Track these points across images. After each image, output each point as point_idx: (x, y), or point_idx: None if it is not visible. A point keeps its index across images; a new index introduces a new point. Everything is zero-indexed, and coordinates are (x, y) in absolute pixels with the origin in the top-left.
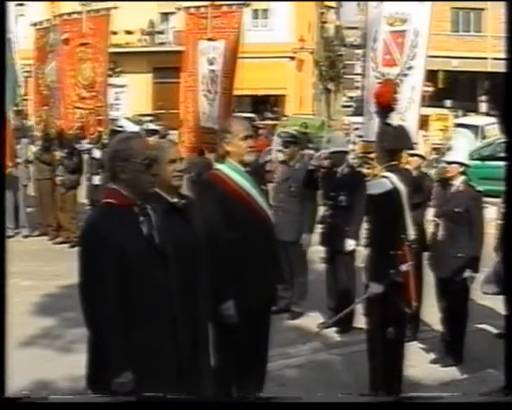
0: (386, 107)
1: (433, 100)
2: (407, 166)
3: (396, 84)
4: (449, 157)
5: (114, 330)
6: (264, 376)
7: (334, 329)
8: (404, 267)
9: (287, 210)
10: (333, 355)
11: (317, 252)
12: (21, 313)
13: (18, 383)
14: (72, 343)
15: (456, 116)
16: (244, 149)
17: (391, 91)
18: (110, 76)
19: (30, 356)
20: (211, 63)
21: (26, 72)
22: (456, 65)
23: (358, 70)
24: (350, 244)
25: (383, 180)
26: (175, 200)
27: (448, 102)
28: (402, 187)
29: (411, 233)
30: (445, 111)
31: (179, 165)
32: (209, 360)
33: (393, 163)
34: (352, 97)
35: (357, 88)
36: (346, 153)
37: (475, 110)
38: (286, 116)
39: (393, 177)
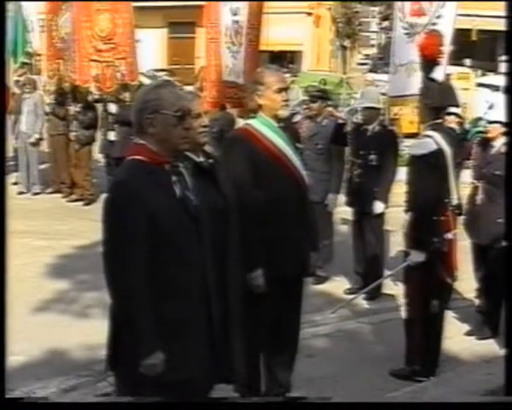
0: (430, 60)
1: (453, 59)
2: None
3: (442, 36)
4: (490, 116)
5: (144, 303)
6: (295, 351)
7: (362, 295)
8: (449, 235)
9: (312, 168)
10: (362, 324)
11: (343, 213)
12: (34, 276)
13: (31, 351)
14: (88, 308)
15: (476, 76)
16: (278, 103)
17: (437, 43)
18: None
19: (43, 322)
20: (234, 14)
21: (40, 26)
22: (475, 23)
23: (374, 28)
24: (379, 207)
25: (427, 140)
26: (201, 159)
27: (467, 62)
28: (447, 147)
29: (455, 198)
30: (466, 70)
31: (204, 119)
32: (241, 334)
33: (438, 121)
34: (367, 55)
35: (372, 46)
36: (378, 110)
37: (494, 70)
38: (303, 72)
39: (438, 136)
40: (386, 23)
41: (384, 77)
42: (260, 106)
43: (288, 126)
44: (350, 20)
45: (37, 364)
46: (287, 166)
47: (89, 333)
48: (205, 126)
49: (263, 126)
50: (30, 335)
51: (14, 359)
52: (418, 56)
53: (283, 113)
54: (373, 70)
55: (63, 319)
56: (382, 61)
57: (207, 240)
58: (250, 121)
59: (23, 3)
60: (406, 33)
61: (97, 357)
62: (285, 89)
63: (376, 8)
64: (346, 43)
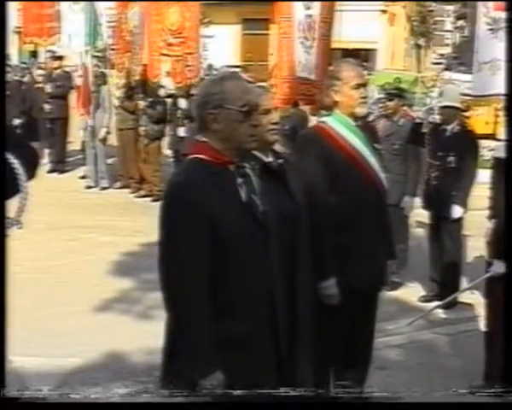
0: None
1: None
2: None
3: None
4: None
5: (203, 319)
6: (368, 365)
7: (437, 303)
8: None
9: (388, 169)
10: (437, 335)
11: (418, 215)
12: (97, 273)
13: (88, 353)
14: (150, 309)
15: None
16: (356, 100)
17: None
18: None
19: (103, 322)
20: (307, 7)
21: (111, 21)
22: None
23: (449, 27)
24: (458, 211)
25: None
26: (270, 159)
27: None
28: None
29: None
30: None
31: (274, 116)
32: (310, 349)
33: None
34: (442, 54)
35: (447, 45)
36: (458, 109)
37: None
38: (377, 71)
39: None
40: (460, 22)
41: (461, 76)
42: (336, 102)
43: (365, 125)
44: (425, 18)
45: (94, 367)
46: (364, 168)
47: (150, 336)
48: (275, 124)
49: (339, 125)
50: (88, 336)
51: (70, 361)
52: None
53: (361, 110)
54: (448, 69)
55: (124, 320)
56: (457, 60)
57: (275, 249)
58: (325, 119)
59: None
60: (490, 29)
61: (158, 362)
62: (363, 85)
63: (451, 7)
64: (421, 41)
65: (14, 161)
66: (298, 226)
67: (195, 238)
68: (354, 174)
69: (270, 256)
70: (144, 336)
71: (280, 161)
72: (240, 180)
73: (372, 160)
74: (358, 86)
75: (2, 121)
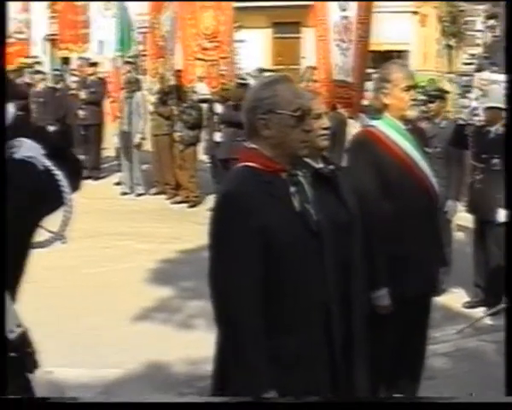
0: None
1: None
2: None
3: None
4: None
5: (256, 335)
6: (420, 375)
7: (482, 309)
8: None
9: None
10: (484, 342)
11: (460, 220)
12: (135, 281)
13: (129, 363)
14: (191, 318)
15: None
16: (406, 102)
17: None
18: (232, 31)
19: (143, 332)
20: (343, 9)
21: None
22: None
23: (479, 26)
24: (503, 215)
25: None
26: (320, 165)
27: None
28: None
29: None
30: None
31: (325, 121)
32: (364, 359)
33: None
34: (473, 55)
35: (477, 45)
36: (502, 110)
37: None
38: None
39: None
40: (491, 21)
41: (496, 76)
42: (386, 106)
43: (414, 128)
44: (455, 18)
45: (135, 378)
46: (416, 173)
47: (191, 346)
48: (325, 128)
49: (389, 128)
50: (128, 346)
51: (110, 371)
52: None
53: (412, 113)
54: (479, 70)
55: (164, 329)
56: (488, 60)
57: (330, 259)
58: (375, 123)
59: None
60: None
61: (200, 373)
62: (413, 87)
63: (482, 7)
64: (452, 42)
65: (57, 173)
66: (350, 235)
67: (247, 249)
68: (406, 180)
69: (323, 266)
70: (185, 345)
71: (331, 167)
72: (292, 189)
73: (423, 164)
74: (408, 88)
75: (2, 122)
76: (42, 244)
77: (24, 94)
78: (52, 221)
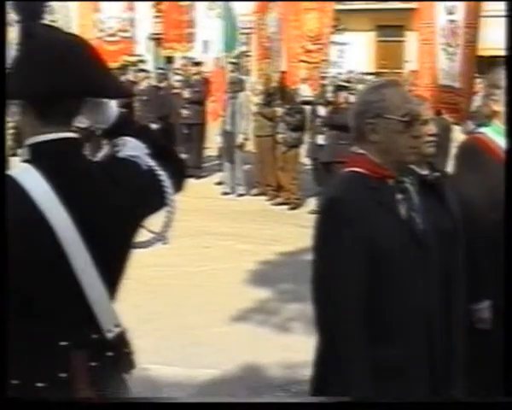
0: None
1: None
2: None
3: None
4: None
5: (358, 346)
6: None
7: None
8: None
9: None
10: None
11: None
12: (234, 281)
13: (224, 364)
14: (289, 321)
15: None
16: None
17: None
18: (333, 33)
19: (240, 332)
20: (450, 12)
21: (248, 27)
22: None
23: None
24: None
25: None
26: (426, 172)
27: None
28: None
29: None
30: None
31: (432, 127)
32: (464, 373)
33: None
34: None
35: None
36: None
37: None
38: None
39: None
40: None
41: None
42: (496, 112)
43: None
44: None
45: (229, 379)
46: None
47: (289, 349)
48: (432, 135)
49: (498, 136)
50: (225, 346)
51: (205, 371)
52: None
53: None
54: None
55: (262, 331)
56: None
57: (434, 269)
58: (483, 130)
59: (233, 3)
60: None
61: (297, 377)
62: None
63: None
64: None
65: (161, 173)
66: (454, 244)
67: (352, 256)
68: None
69: (428, 276)
70: (281, 348)
71: (436, 174)
72: (399, 196)
73: None
74: None
75: (2, 122)
76: (143, 245)
77: (128, 92)
78: (154, 221)
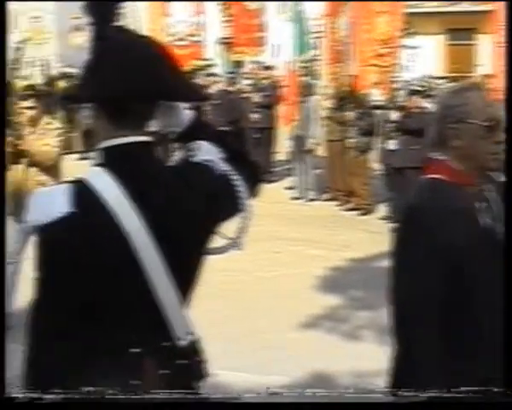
0: None
1: None
2: None
3: None
4: None
5: (434, 355)
6: None
7: None
8: None
9: None
10: None
11: None
12: (304, 287)
13: (293, 371)
14: (358, 329)
15: None
16: None
17: None
18: (404, 36)
19: (309, 339)
20: None
21: (319, 31)
22: None
23: None
24: None
25: None
26: (502, 179)
27: None
28: None
29: None
30: None
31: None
32: None
33: None
34: None
35: None
36: None
37: None
38: None
39: None
40: None
41: None
42: None
43: None
44: None
45: (298, 386)
46: None
47: (357, 358)
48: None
49: None
50: (294, 353)
51: (272, 378)
52: None
53: None
54: None
55: (331, 338)
56: None
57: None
58: None
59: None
60: None
61: (366, 386)
62: None
63: None
64: None
65: (235, 178)
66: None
67: (431, 264)
68: None
69: (509, 286)
70: (351, 357)
71: None
72: (480, 204)
73: None
74: None
75: (2, 123)
76: (217, 251)
77: (202, 95)
78: (227, 227)
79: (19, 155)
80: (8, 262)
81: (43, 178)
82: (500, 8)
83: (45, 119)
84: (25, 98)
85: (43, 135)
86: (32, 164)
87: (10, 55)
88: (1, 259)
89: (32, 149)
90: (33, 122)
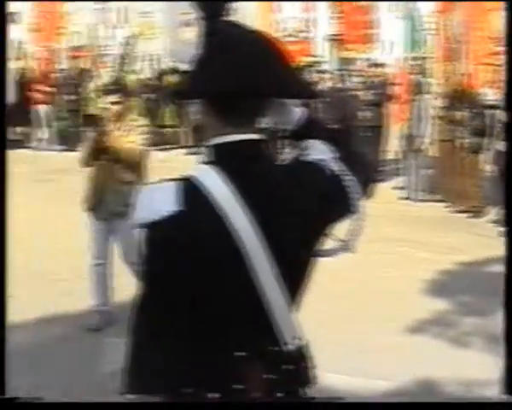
0: None
1: None
2: None
3: None
4: None
5: None
6: None
7: None
8: None
9: None
10: None
11: None
12: (411, 290)
13: (398, 375)
14: (466, 335)
15: None
16: None
17: None
18: None
19: (414, 343)
20: None
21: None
22: None
23: None
24: None
25: None
26: None
27: None
28: None
29: None
30: None
31: None
32: None
33: None
34: None
35: None
36: None
37: None
38: None
39: None
40: None
41: None
42: None
43: None
44: None
45: (398, 393)
46: None
47: (463, 365)
48: None
49: None
50: (399, 357)
51: (373, 382)
52: None
53: None
54: None
55: (437, 344)
56: None
57: None
58: None
59: (416, 3)
60: None
61: (471, 395)
62: None
63: None
64: None
65: (349, 178)
66: None
67: None
68: None
69: None
70: (457, 364)
71: None
72: None
73: None
74: None
75: (2, 123)
76: (328, 253)
77: (313, 93)
78: (338, 228)
79: (103, 151)
80: (96, 264)
81: (127, 175)
82: None
83: (131, 115)
84: (111, 93)
85: (127, 132)
86: (116, 161)
87: (120, 50)
88: (1, 259)
89: (116, 146)
90: (118, 118)
